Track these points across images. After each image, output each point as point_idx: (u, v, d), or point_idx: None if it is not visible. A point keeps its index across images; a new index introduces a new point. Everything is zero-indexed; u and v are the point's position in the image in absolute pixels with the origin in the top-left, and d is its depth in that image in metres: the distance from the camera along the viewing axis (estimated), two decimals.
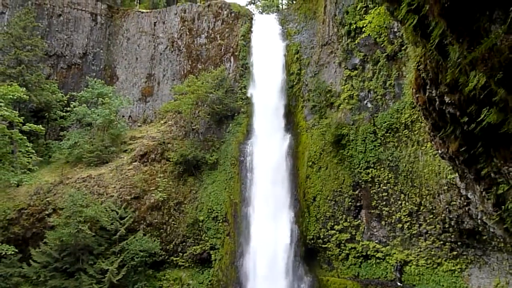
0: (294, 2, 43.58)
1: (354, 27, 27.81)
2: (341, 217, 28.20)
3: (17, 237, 29.60)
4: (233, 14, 40.64)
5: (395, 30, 24.69)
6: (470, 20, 3.65)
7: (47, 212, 30.60)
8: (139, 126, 41.68)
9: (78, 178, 33.09)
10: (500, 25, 3.20)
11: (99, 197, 31.78)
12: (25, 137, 31.40)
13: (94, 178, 33.07)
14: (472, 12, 3.58)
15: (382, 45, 26.27)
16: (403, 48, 24.77)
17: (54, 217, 29.73)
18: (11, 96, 30.50)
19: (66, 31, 43.30)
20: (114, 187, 32.57)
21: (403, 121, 24.73)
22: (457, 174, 6.97)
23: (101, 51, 44.97)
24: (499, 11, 3.22)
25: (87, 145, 35.02)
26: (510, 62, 3.04)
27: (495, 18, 3.29)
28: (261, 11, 52.52)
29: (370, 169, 26.61)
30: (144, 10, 47.13)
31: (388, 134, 25.79)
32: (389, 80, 26.38)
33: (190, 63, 41.43)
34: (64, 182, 32.67)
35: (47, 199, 31.20)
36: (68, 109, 37.64)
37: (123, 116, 42.15)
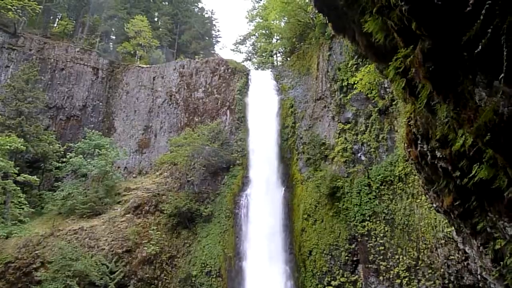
0: (288, 59, 45.40)
1: (346, 83, 28.83)
2: (338, 272, 27.30)
3: None
4: (229, 70, 42.12)
5: (386, 86, 25.57)
6: (454, 82, 3.84)
7: (34, 266, 29.33)
8: (134, 177, 41.41)
9: (69, 230, 32.18)
10: (483, 88, 3.38)
11: (90, 250, 30.71)
12: (18, 188, 30.98)
13: (85, 230, 32.19)
14: (456, 75, 3.78)
15: (373, 100, 27.08)
16: (394, 103, 25.50)
17: (41, 271, 28.48)
18: (8, 147, 30.53)
19: (67, 84, 44.42)
20: (106, 239, 31.63)
21: (397, 174, 24.83)
22: (453, 228, 6.90)
23: (101, 103, 45.86)
24: (481, 76, 3.41)
25: (81, 196, 34.50)
26: (495, 124, 3.16)
27: (478, 81, 3.47)
28: (256, 67, 54.52)
29: (366, 222, 26.25)
30: (144, 65, 48.75)
31: (382, 187, 25.76)
32: (381, 134, 26.87)
33: (187, 116, 42.17)
34: (55, 234, 31.71)
35: (36, 252, 30.06)
36: (64, 159, 37.53)
37: (118, 167, 41.98)
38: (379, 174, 26.00)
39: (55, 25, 53.98)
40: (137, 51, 53.65)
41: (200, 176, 36.54)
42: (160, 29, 64.00)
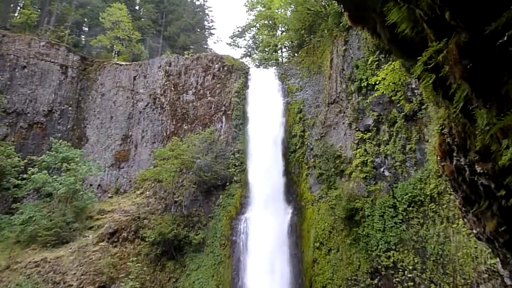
0: (295, 55, 45.72)
1: (366, 83, 28.93)
2: None
3: None
4: (225, 68, 42.37)
5: (413, 86, 25.67)
6: (497, 83, 3.85)
7: None
8: (110, 197, 41.36)
9: (29, 262, 32.05)
10: None
11: (55, 287, 30.55)
12: None
13: (49, 262, 32.04)
14: (499, 74, 3.79)
15: (398, 104, 27.14)
16: (423, 107, 25.55)
17: None
18: None
19: (30, 85, 44.65)
20: (74, 273, 31.47)
21: (428, 193, 24.73)
22: (498, 260, 6.85)
23: (70, 108, 46.04)
24: None
25: (44, 220, 34.40)
26: None
27: None
28: (258, 64, 54.83)
29: (391, 251, 26.08)
30: (123, 63, 49.12)
31: (411, 209, 25.65)
32: (409, 144, 26.86)
33: (174, 123, 42.29)
34: (12, 267, 31.58)
35: None
36: (25, 176, 37.48)
37: (91, 185, 41.96)
38: (407, 193, 25.91)
39: (16, 14, 54.57)
40: (115, 46, 54.14)
41: (190, 195, 36.46)
42: (142, 19, 64.69)
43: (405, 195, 25.96)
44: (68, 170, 36.51)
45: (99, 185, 42.91)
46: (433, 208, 24.40)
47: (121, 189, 41.99)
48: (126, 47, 54.86)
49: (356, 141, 30.36)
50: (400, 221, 26.08)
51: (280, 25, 53.43)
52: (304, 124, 36.21)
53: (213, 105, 41.12)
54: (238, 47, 64.80)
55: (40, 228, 34.02)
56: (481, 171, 5.19)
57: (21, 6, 55.99)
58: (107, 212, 37.30)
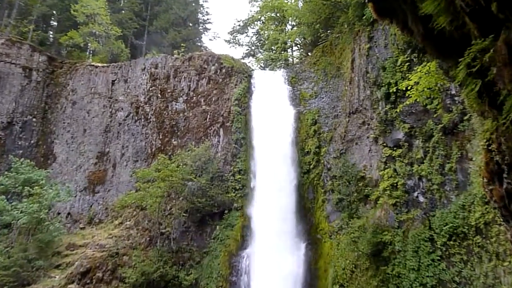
0: (309, 54, 45.96)
1: (395, 89, 28.97)
2: None
3: None
4: (223, 70, 42.58)
5: (453, 93, 25.68)
6: None
7: None
8: (81, 228, 41.29)
9: None
10: None
11: None
12: None
13: None
14: None
15: (435, 114, 27.14)
16: (465, 118, 25.53)
17: None
18: None
19: None
20: None
21: (472, 223, 24.57)
22: None
23: (34, 119, 46.27)
24: None
25: (1, 257, 34.35)
26: None
27: None
28: (263, 66, 55.14)
29: None
30: (99, 64, 49.44)
31: (452, 243, 25.47)
32: (448, 163, 26.78)
33: (161, 137, 42.38)
34: None
35: None
36: None
37: (58, 214, 41.93)
38: (446, 224, 25.77)
39: None
40: (89, 44, 54.57)
41: (180, 226, 36.36)
42: (123, 11, 65.30)
43: (445, 226, 25.80)
44: (31, 195, 36.50)
45: (68, 213, 42.86)
46: (479, 242, 24.20)
47: (96, 219, 41.91)
48: (103, 45, 55.27)
49: (384, 160, 30.31)
50: (439, 258, 25.88)
51: (290, 18, 53.84)
52: (320, 139, 36.21)
53: (208, 116, 41.22)
54: (239, 45, 65.34)
55: None
56: None
57: None
58: (78, 246, 37.20)
